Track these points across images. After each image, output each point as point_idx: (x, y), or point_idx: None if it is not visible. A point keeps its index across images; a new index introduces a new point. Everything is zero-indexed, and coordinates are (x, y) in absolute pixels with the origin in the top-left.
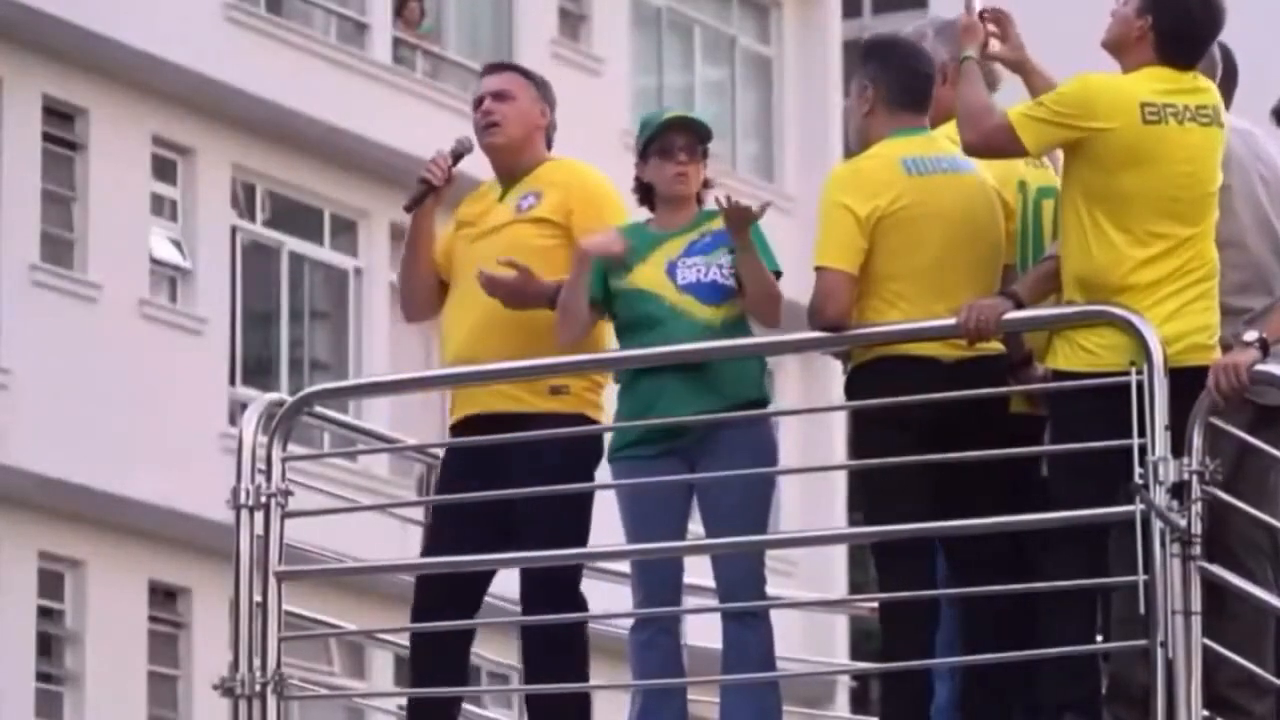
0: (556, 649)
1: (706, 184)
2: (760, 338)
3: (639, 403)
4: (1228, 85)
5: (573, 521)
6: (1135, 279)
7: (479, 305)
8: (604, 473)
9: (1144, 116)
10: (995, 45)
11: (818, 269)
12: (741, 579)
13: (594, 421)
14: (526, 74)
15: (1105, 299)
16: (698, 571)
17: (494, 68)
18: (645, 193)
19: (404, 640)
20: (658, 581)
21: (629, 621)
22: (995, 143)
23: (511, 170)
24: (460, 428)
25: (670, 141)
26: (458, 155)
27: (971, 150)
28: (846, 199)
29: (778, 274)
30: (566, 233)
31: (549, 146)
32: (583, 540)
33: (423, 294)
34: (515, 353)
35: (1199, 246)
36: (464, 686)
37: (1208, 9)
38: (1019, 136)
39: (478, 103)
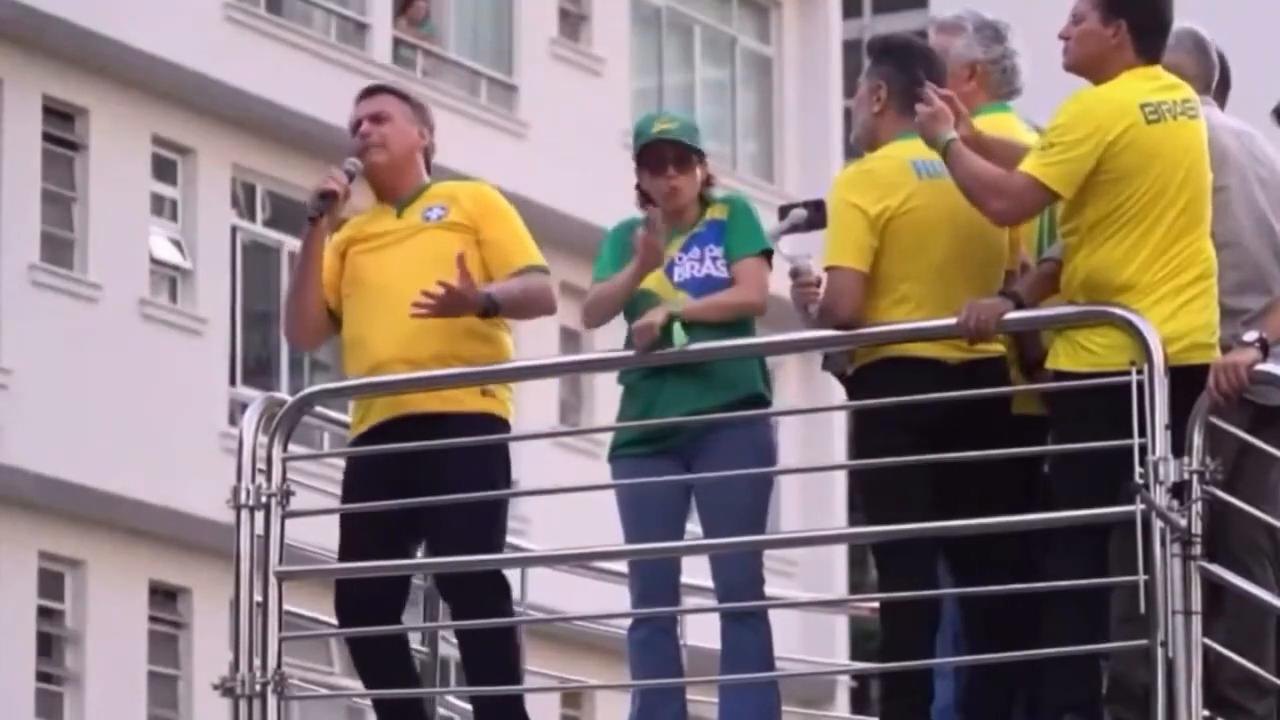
0: (492, 629)
1: (709, 182)
2: (759, 338)
3: (639, 401)
4: (1222, 89)
5: (488, 506)
6: (1137, 279)
7: (399, 315)
8: (605, 471)
9: (1146, 117)
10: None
11: (829, 268)
12: (740, 579)
13: (503, 419)
14: (403, 96)
15: (1108, 299)
16: (698, 571)
17: (370, 91)
18: (647, 197)
19: None
20: (653, 580)
21: (628, 620)
22: (1028, 203)
23: (395, 191)
24: (381, 429)
25: (659, 155)
26: (350, 175)
27: (1006, 218)
28: (857, 198)
29: (768, 252)
30: (477, 239)
31: (428, 170)
32: (499, 519)
33: (316, 317)
34: (451, 352)
35: (1198, 244)
36: (413, 678)
37: None
38: (1049, 186)
39: (355, 127)
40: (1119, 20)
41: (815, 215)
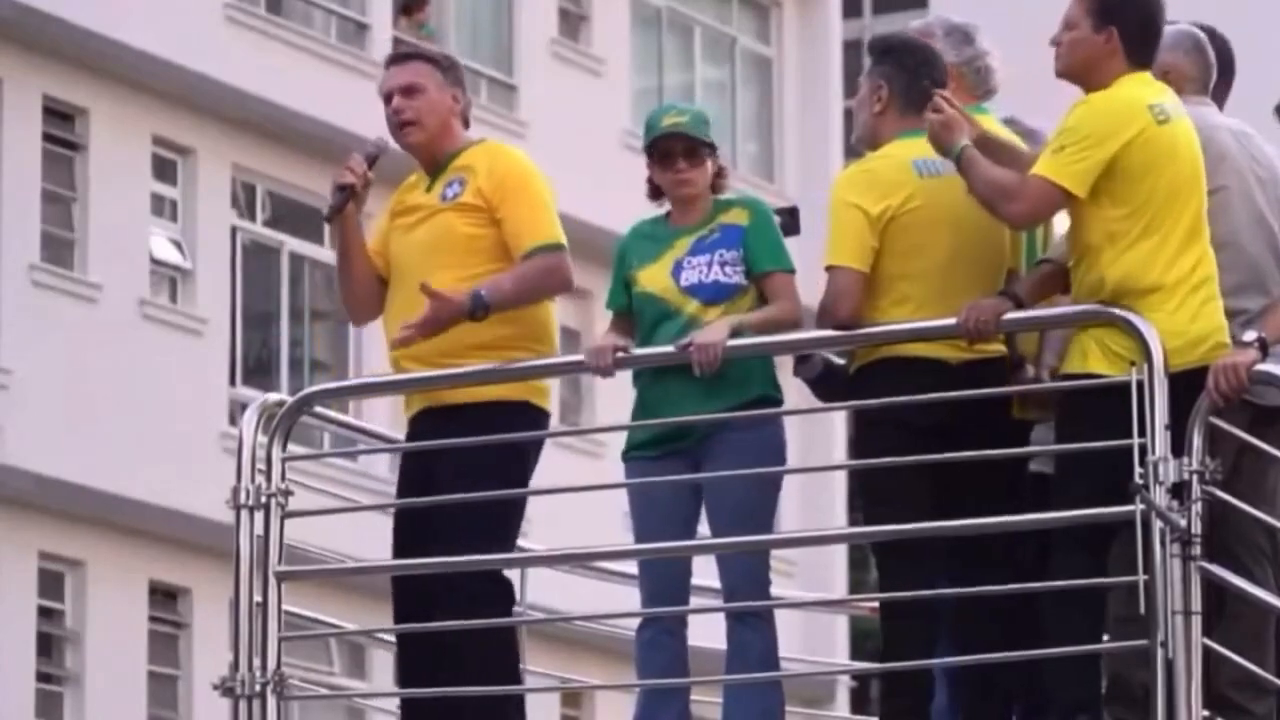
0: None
1: (721, 173)
2: (757, 339)
3: (648, 404)
4: (1225, 80)
5: (497, 504)
6: (1163, 279)
7: (416, 299)
8: (605, 471)
9: (1156, 118)
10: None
11: (829, 268)
12: (744, 580)
13: (538, 407)
14: (432, 60)
15: (1135, 301)
16: (709, 574)
17: (398, 58)
18: (658, 190)
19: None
20: (660, 582)
21: (630, 621)
22: (1045, 205)
23: (433, 160)
24: (416, 418)
25: (669, 148)
26: (373, 158)
27: (1023, 220)
28: (858, 199)
29: (790, 271)
30: (491, 218)
31: (466, 126)
32: (512, 518)
33: (365, 295)
34: (460, 342)
35: (1202, 244)
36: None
37: (1158, 2)
38: (1065, 187)
39: (387, 99)
40: (1110, 28)
41: (790, 221)
